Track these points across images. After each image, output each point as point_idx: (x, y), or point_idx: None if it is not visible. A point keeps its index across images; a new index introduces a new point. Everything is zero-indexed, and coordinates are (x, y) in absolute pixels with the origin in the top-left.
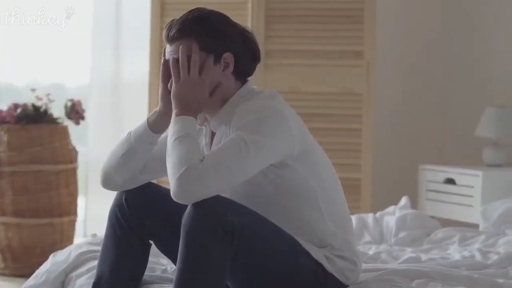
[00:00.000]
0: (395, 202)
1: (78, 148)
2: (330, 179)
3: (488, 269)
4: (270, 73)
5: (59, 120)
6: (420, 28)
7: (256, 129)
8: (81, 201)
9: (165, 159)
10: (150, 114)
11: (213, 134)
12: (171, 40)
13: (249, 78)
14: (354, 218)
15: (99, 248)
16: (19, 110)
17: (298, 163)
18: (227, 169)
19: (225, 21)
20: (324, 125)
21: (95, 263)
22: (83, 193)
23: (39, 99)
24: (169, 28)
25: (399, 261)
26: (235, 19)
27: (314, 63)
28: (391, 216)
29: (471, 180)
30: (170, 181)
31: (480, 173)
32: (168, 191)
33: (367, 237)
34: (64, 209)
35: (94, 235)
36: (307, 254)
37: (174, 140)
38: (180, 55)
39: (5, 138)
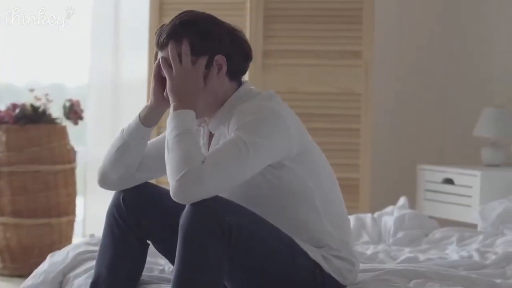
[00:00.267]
0: (394, 202)
1: (77, 148)
2: (328, 179)
3: (486, 269)
4: (269, 73)
5: (58, 120)
6: (419, 28)
7: (255, 130)
8: (80, 201)
9: (162, 158)
10: (141, 109)
11: (211, 135)
12: (161, 46)
13: (248, 79)
14: (352, 218)
15: (97, 248)
16: (17, 110)
17: (295, 163)
18: (227, 171)
19: (213, 22)
20: (323, 125)
21: (93, 263)
22: (82, 193)
23: (38, 99)
24: (159, 34)
25: (397, 261)
26: (234, 19)
27: (312, 63)
28: (389, 216)
29: (470, 180)
30: (170, 181)
31: (478, 173)
32: (165, 191)
33: (365, 237)
34: (63, 209)
35: (92, 235)
36: (305, 254)
37: (174, 137)
38: (169, 52)
39: (3, 138)
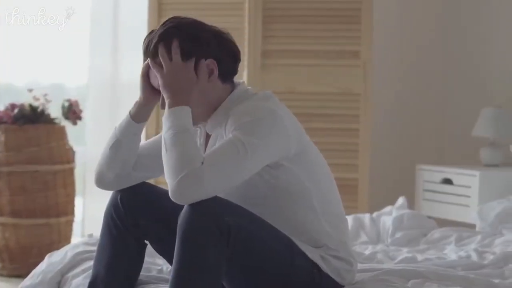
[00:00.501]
0: (392, 202)
1: (75, 148)
2: (326, 180)
3: (484, 269)
4: (268, 73)
5: (56, 120)
6: (418, 28)
7: (252, 131)
8: (79, 202)
9: (160, 157)
10: (132, 107)
11: (208, 135)
12: (152, 55)
13: (247, 79)
14: (350, 218)
15: (95, 248)
16: (16, 110)
17: (293, 163)
18: (226, 172)
19: (199, 26)
20: (322, 125)
21: (91, 263)
22: (80, 193)
23: (36, 99)
24: (147, 43)
25: (395, 261)
26: (233, 19)
27: (311, 63)
28: (388, 216)
29: (468, 180)
30: (168, 182)
31: (477, 173)
32: (163, 191)
33: (363, 237)
34: (61, 209)
35: (90, 235)
36: (303, 254)
37: (171, 136)
38: (159, 52)
39: (2, 138)
